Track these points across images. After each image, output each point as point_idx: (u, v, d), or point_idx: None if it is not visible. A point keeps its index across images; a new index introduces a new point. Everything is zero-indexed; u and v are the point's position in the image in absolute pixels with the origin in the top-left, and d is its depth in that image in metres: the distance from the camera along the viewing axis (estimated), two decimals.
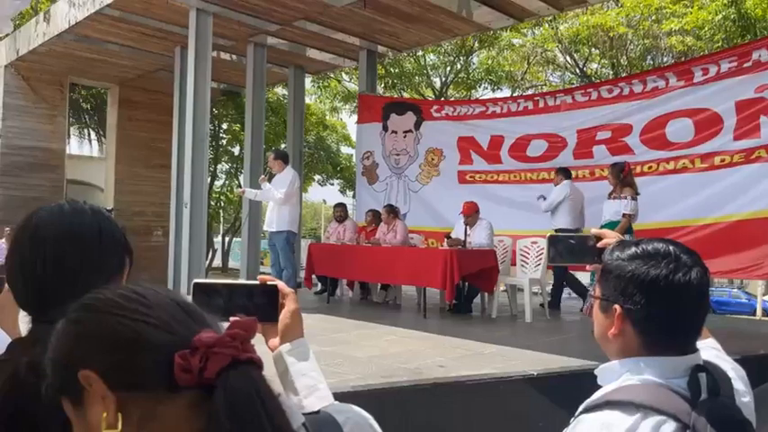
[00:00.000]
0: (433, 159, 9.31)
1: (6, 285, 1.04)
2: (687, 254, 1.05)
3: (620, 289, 1.06)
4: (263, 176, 7.52)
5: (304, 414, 0.79)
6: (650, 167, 7.13)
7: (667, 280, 1.02)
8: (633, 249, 1.08)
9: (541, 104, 8.38)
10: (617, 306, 1.06)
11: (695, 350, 1.05)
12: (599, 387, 1.07)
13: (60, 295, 0.90)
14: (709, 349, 1.16)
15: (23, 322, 0.98)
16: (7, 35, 10.91)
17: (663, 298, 1.02)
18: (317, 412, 0.81)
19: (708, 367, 1.00)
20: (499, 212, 7.76)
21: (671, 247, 1.06)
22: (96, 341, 0.64)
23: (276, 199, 7.09)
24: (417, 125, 9.52)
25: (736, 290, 25.94)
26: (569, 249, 1.48)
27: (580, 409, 1.03)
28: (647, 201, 6.37)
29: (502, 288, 6.81)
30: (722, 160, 6.60)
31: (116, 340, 0.64)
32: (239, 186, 8.32)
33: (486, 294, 6.86)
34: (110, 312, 0.65)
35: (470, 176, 8.82)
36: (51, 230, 0.95)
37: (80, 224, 0.96)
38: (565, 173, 7.16)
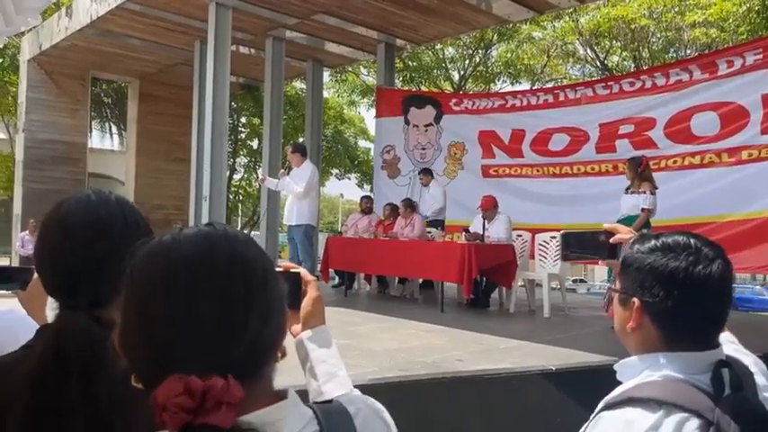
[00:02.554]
0: (456, 153, 9.28)
1: (36, 274, 1.07)
2: (709, 246, 1.03)
3: (639, 282, 1.04)
4: (282, 171, 7.55)
5: (316, 403, 0.79)
6: (675, 162, 7.04)
7: (687, 272, 1.00)
8: (653, 242, 1.06)
9: (562, 97, 8.31)
10: (635, 299, 1.04)
11: (717, 345, 1.03)
12: (618, 383, 1.05)
13: (87, 282, 0.93)
14: (727, 343, 1.14)
15: (51, 309, 1.00)
16: (33, 29, 11.05)
17: (682, 291, 1.00)
18: (330, 401, 0.82)
19: (730, 362, 0.99)
20: (523, 207, 7.77)
21: (692, 240, 1.04)
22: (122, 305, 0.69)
23: (296, 192, 7.12)
24: (438, 119, 9.49)
25: (758, 287, 25.57)
26: (582, 244, 1.48)
27: (600, 405, 1.01)
28: (672, 195, 6.30)
29: (520, 283, 6.78)
30: (749, 155, 6.51)
31: (126, 314, 0.68)
32: (259, 176, 8.41)
33: (504, 289, 6.84)
34: (140, 285, 0.68)
35: (494, 170, 8.79)
36: (79, 218, 0.97)
37: (106, 212, 0.99)
38: (430, 173, 8.13)
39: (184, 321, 0.65)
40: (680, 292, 1.00)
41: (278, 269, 1.04)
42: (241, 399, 0.62)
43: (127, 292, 0.68)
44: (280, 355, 0.74)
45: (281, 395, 0.72)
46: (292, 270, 1.05)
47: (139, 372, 0.67)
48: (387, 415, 0.83)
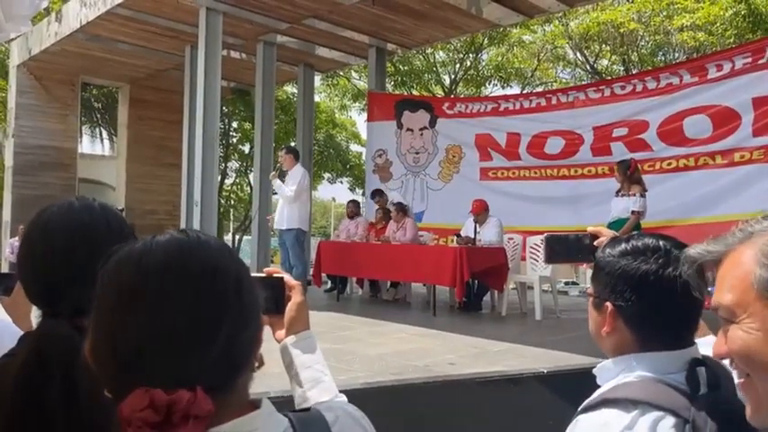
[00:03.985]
0: (453, 157, 9.30)
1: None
2: (678, 248, 1.03)
3: (611, 286, 1.05)
4: (273, 173, 7.55)
5: (293, 411, 0.78)
6: (669, 164, 7.13)
7: (657, 275, 1.01)
8: (623, 245, 1.07)
9: (554, 101, 8.38)
10: (608, 303, 1.05)
11: (692, 343, 1.04)
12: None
13: (69, 289, 0.92)
14: (709, 346, 1.15)
15: (36, 317, 1.00)
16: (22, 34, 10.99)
17: (653, 294, 1.01)
18: (308, 410, 0.81)
19: (707, 361, 0.98)
20: (520, 209, 7.83)
21: (661, 242, 1.05)
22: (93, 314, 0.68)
23: (286, 196, 7.11)
24: (432, 123, 9.52)
25: None
26: (566, 247, 1.49)
27: (579, 409, 1.02)
28: (668, 197, 6.38)
29: (511, 286, 6.80)
30: (742, 156, 6.59)
31: (97, 331, 0.67)
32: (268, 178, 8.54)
33: (495, 292, 6.85)
34: (109, 295, 0.67)
35: (493, 173, 8.82)
36: (61, 225, 0.97)
37: (89, 219, 0.99)
38: (380, 194, 8.62)
39: (152, 330, 0.63)
40: (652, 295, 1.02)
41: (261, 275, 1.04)
42: (210, 411, 0.61)
43: (96, 300, 0.67)
44: (256, 364, 0.72)
45: (258, 405, 0.70)
46: (275, 275, 1.05)
47: (108, 383, 0.65)
48: (366, 421, 0.83)
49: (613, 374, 1.04)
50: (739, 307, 0.67)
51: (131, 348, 0.63)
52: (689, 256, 0.75)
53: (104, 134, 21.72)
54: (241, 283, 0.69)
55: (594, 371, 1.09)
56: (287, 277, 1.05)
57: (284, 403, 0.84)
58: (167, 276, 0.65)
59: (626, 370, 1.02)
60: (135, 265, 0.67)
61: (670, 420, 0.91)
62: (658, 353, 1.01)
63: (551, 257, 1.52)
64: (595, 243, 1.36)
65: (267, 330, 1.06)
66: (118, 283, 0.66)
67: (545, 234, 1.52)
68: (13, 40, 11.88)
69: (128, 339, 0.63)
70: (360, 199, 13.36)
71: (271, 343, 1.06)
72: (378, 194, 8.57)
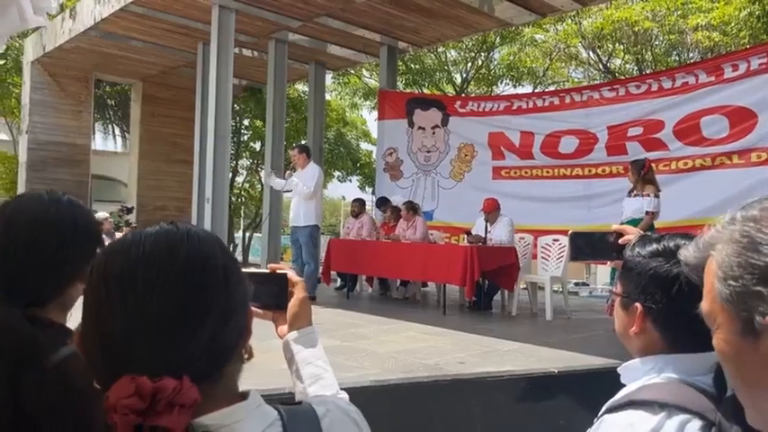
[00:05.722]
0: (466, 156, 9.29)
1: None
2: None
3: (642, 287, 1.04)
4: (289, 172, 7.55)
5: (284, 404, 0.78)
6: (685, 163, 7.10)
7: (689, 278, 1.00)
8: (654, 246, 1.06)
9: (568, 100, 8.35)
10: (638, 304, 1.04)
11: None
12: (620, 386, 1.05)
13: (30, 280, 0.92)
14: None
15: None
16: (37, 30, 11.07)
17: (684, 296, 1.00)
18: (300, 403, 0.81)
19: None
20: (532, 208, 7.79)
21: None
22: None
23: (304, 193, 7.09)
24: (444, 121, 9.50)
25: None
26: (590, 245, 1.48)
27: (603, 409, 1.01)
28: (683, 196, 6.36)
29: (522, 286, 6.77)
30: (759, 156, 6.56)
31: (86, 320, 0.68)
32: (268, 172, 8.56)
33: (506, 292, 6.83)
34: (98, 287, 0.68)
35: (506, 172, 8.80)
36: (26, 216, 0.97)
37: (55, 212, 0.99)
38: (386, 202, 8.71)
39: (138, 319, 0.64)
40: (683, 298, 1.00)
41: (264, 271, 1.05)
42: (196, 401, 0.61)
43: (85, 291, 0.68)
44: (246, 356, 0.73)
45: (246, 396, 0.71)
46: (279, 271, 1.05)
47: (95, 372, 0.66)
48: (359, 417, 0.82)
49: (640, 374, 1.03)
50: (711, 316, 0.69)
51: (118, 336, 0.64)
52: (690, 264, 0.74)
53: (117, 131, 21.86)
54: (229, 274, 0.70)
55: (619, 369, 1.08)
56: (290, 273, 1.06)
57: (288, 400, 0.84)
58: (154, 266, 0.66)
59: (653, 371, 1.01)
60: (123, 254, 0.68)
61: (697, 423, 0.90)
62: (686, 354, 1.00)
63: (576, 255, 1.51)
64: (620, 241, 1.35)
65: (271, 326, 1.06)
66: (106, 272, 0.67)
67: (570, 232, 1.51)
68: (26, 35, 11.99)
69: (114, 327, 0.64)
70: (369, 198, 13.37)
71: (275, 340, 1.06)
72: (383, 203, 8.61)
